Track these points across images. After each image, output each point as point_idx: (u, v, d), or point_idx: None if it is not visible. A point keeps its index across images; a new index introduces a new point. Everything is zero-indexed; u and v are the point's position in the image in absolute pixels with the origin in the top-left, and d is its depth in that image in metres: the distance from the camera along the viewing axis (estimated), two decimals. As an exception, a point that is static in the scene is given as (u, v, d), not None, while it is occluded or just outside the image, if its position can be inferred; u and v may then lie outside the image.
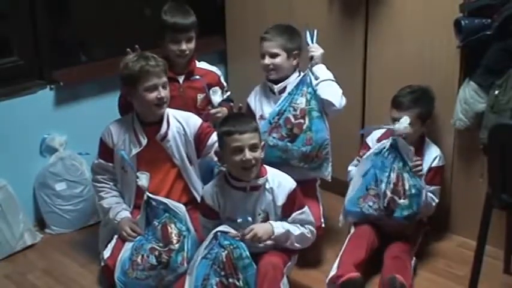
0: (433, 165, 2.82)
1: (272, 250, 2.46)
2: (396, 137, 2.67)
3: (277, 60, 2.80)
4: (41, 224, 3.16)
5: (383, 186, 2.66)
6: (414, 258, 2.72)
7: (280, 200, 2.45)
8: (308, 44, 2.82)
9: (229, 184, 2.47)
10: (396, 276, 2.47)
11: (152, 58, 2.64)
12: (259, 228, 2.39)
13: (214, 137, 2.71)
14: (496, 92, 2.56)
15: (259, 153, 2.40)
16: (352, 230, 2.77)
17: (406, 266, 2.61)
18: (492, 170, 2.23)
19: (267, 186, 2.45)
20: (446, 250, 2.91)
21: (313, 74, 2.78)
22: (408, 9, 2.89)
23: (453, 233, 3.01)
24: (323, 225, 2.77)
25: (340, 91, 2.77)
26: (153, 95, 2.62)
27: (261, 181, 2.44)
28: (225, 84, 3.09)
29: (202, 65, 3.02)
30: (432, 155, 2.83)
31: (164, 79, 2.66)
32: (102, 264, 2.64)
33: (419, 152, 2.82)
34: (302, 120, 2.75)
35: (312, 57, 2.79)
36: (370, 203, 2.69)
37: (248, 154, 2.35)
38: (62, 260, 2.93)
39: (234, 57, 3.70)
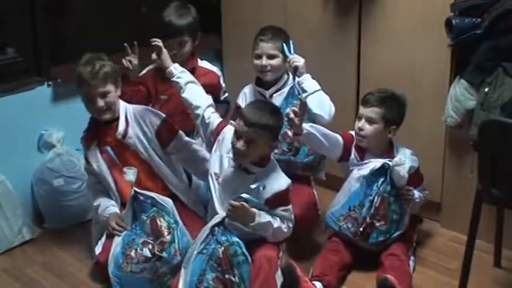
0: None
1: (264, 242, 2.47)
2: (392, 168, 2.62)
3: (275, 61, 2.81)
4: (39, 219, 3.17)
5: (364, 211, 2.65)
6: (412, 257, 2.74)
7: (266, 195, 2.45)
8: (287, 56, 2.81)
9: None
10: (388, 277, 2.46)
11: (92, 65, 2.57)
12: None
13: (180, 137, 2.75)
14: (486, 90, 2.59)
15: (251, 149, 2.38)
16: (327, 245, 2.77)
17: (403, 266, 2.61)
18: (482, 166, 2.26)
19: (259, 178, 2.45)
20: (438, 244, 2.94)
21: (299, 85, 2.78)
22: (400, 8, 2.93)
23: (444, 228, 3.04)
24: (319, 212, 2.81)
25: (328, 100, 2.78)
26: (90, 103, 2.63)
27: (254, 170, 2.46)
28: (223, 85, 3.11)
29: (203, 64, 3.04)
30: (406, 165, 2.67)
31: (100, 89, 2.58)
32: (94, 260, 2.66)
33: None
34: None
35: (296, 68, 2.78)
36: (349, 225, 2.67)
37: (238, 144, 2.38)
38: (60, 254, 2.95)
39: (229, 55, 3.72)
